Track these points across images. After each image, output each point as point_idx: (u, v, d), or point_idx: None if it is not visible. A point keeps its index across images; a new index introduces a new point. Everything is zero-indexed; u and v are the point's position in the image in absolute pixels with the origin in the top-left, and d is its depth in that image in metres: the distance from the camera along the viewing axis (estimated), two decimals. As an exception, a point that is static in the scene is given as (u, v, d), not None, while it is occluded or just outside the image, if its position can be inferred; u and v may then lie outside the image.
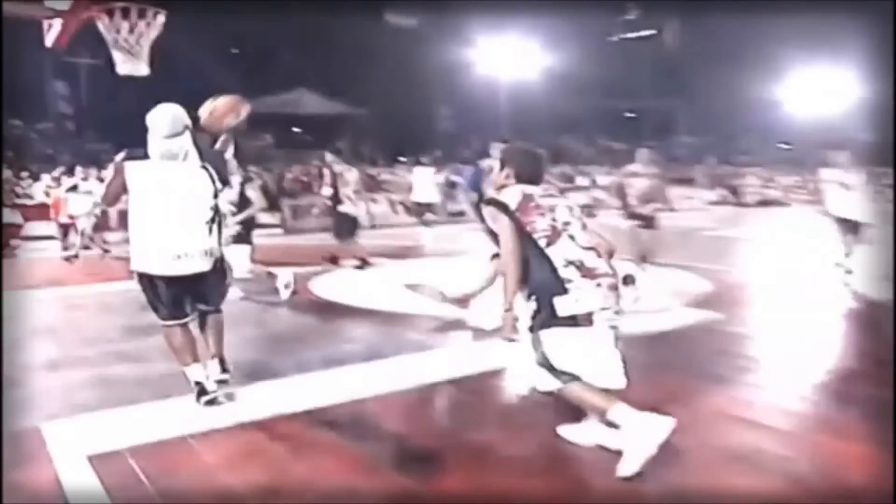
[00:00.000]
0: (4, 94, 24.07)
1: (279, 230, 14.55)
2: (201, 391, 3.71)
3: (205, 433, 3.39)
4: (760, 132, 32.06)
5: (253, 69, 26.67)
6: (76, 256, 4.94)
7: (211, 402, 3.70)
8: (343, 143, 26.74)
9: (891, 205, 10.20)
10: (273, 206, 14.89)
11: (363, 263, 9.00)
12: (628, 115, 35.80)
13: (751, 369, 4.46)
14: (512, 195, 3.04)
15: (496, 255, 5.48)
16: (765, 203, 21.89)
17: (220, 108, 3.97)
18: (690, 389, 3.99)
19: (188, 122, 3.61)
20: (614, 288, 2.96)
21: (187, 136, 3.59)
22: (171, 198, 3.53)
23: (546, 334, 2.90)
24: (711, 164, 26.24)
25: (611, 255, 3.07)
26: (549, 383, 2.94)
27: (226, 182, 3.77)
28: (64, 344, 5.27)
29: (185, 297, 3.71)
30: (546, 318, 2.88)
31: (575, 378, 2.90)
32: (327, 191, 9.29)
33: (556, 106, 31.66)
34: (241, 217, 6.72)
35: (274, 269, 6.96)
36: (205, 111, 3.91)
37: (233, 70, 26.03)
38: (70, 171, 14.85)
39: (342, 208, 9.15)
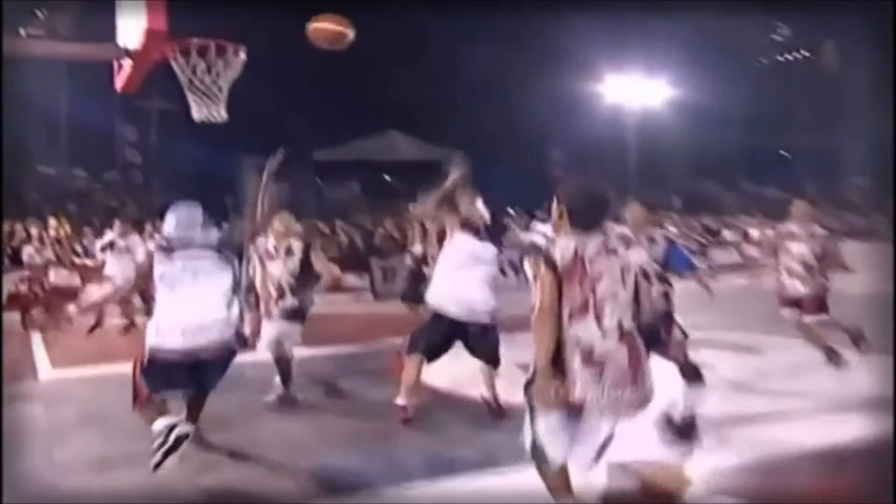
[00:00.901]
0: (69, 142, 25.88)
1: (368, 295, 14.51)
2: (170, 428, 3.98)
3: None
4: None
5: (338, 109, 27.45)
6: (133, 325, 5.18)
7: (181, 439, 3.94)
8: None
9: None
10: (361, 266, 14.99)
11: None
12: (782, 153, 34.54)
13: None
14: (563, 250, 3.14)
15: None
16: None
17: (320, 30, 4.99)
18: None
19: (201, 219, 4.49)
20: (623, 381, 3.09)
21: (198, 231, 4.44)
22: (192, 280, 4.33)
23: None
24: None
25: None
26: (527, 442, 3.30)
27: (241, 260, 4.58)
28: (111, 437, 5.16)
29: (188, 374, 4.30)
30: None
31: (544, 457, 3.22)
32: (417, 249, 9.19)
33: (693, 145, 30.96)
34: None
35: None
36: (309, 27, 4.94)
37: (315, 111, 26.93)
38: (139, 227, 15.45)
39: (427, 270, 9.03)
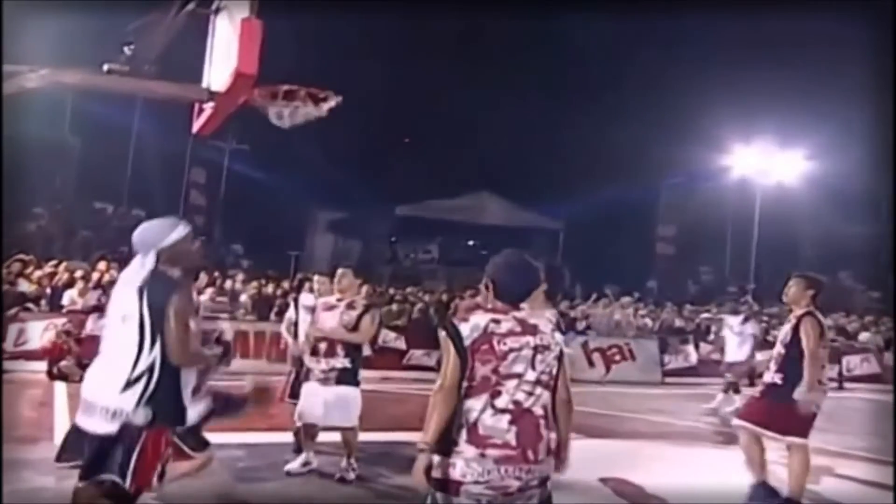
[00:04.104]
0: (132, 179, 26.96)
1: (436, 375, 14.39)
2: None
3: None
4: None
5: (425, 164, 27.90)
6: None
7: None
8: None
9: None
10: (431, 341, 14.85)
11: None
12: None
13: None
14: (474, 325, 3.36)
15: None
16: None
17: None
18: None
19: (153, 244, 3.85)
20: (509, 460, 3.25)
21: (148, 259, 3.84)
22: (119, 324, 3.80)
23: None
24: None
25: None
26: None
27: (155, 334, 3.77)
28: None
29: (90, 454, 3.76)
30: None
31: None
32: None
33: (828, 231, 30.29)
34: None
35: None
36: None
37: (401, 165, 27.73)
38: (195, 276, 15.77)
39: None
